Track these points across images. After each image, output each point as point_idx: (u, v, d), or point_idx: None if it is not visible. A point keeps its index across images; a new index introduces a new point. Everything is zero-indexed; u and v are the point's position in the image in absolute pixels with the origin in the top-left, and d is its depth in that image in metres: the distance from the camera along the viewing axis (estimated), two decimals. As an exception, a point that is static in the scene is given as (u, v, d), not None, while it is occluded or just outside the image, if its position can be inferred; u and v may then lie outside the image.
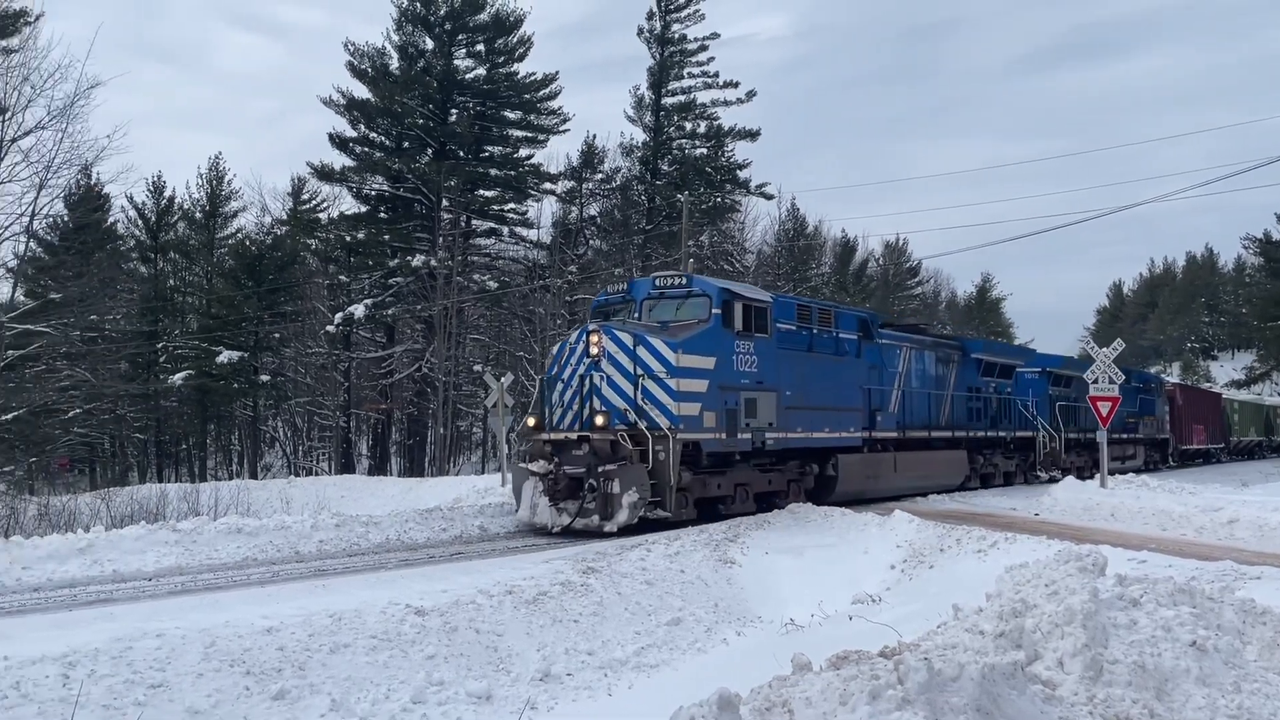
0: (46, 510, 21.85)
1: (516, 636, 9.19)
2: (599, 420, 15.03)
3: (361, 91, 40.21)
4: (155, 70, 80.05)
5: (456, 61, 41.13)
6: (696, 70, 45.02)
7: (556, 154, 54.47)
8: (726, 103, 45.11)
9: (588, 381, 15.52)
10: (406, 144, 41.10)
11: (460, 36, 40.95)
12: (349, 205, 43.32)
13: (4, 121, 23.51)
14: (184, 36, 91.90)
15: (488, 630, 9.14)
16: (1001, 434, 26.74)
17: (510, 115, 42.41)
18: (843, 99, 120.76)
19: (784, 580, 12.81)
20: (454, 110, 41.32)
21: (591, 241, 45.93)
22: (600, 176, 46.58)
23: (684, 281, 17.01)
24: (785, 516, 16.16)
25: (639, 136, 45.80)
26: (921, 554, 13.36)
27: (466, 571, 11.57)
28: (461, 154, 41.45)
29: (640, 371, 15.29)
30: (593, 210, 47.20)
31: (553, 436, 15.71)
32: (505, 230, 44.54)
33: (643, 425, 14.93)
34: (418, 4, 40.08)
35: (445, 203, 41.05)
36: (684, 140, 46.05)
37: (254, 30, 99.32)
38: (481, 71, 41.57)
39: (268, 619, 8.39)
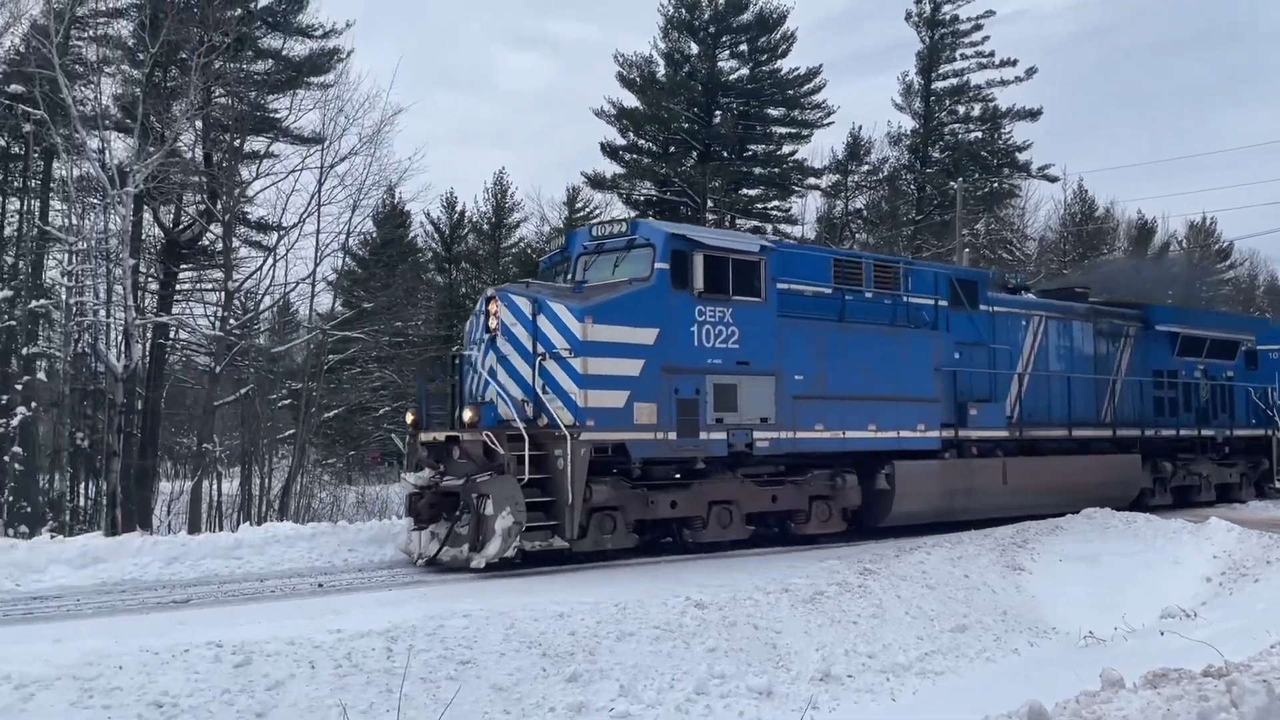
0: (363, 499, 24.26)
1: (795, 635, 9.17)
2: (466, 415, 11.72)
3: (630, 100, 41.54)
4: (447, 95, 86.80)
5: (720, 63, 41.57)
6: (970, 51, 42.92)
7: (821, 148, 53.71)
8: (1003, 82, 42.67)
9: (485, 364, 12.42)
10: (673, 148, 42.02)
11: (724, 38, 41.36)
12: (620, 210, 44.94)
13: (324, 150, 26.36)
14: (471, 62, 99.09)
15: (766, 627, 9.18)
16: (1209, 433, 20.29)
17: (774, 112, 42.31)
18: (1136, 70, 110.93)
19: (1080, 590, 11.98)
20: (718, 112, 41.78)
21: (858, 235, 45.00)
22: (866, 168, 45.50)
23: (624, 229, 13.14)
24: (1080, 521, 15.04)
25: (907, 124, 44.30)
26: (1243, 566, 12.04)
27: (742, 568, 11.69)
28: (725, 154, 41.86)
29: (541, 349, 11.92)
30: (859, 203, 46.23)
31: (424, 438, 12.65)
32: (769, 228, 44.53)
33: (543, 422, 11.67)
34: (683, 10, 40.91)
35: (710, 203, 41.67)
36: (957, 125, 44.05)
37: (531, 49, 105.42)
38: (745, 71, 41.76)
39: (559, 605, 8.87)
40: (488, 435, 11.40)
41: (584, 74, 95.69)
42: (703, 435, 12.45)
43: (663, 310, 12.23)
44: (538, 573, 11.44)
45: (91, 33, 26.56)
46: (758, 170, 42.81)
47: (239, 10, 26.76)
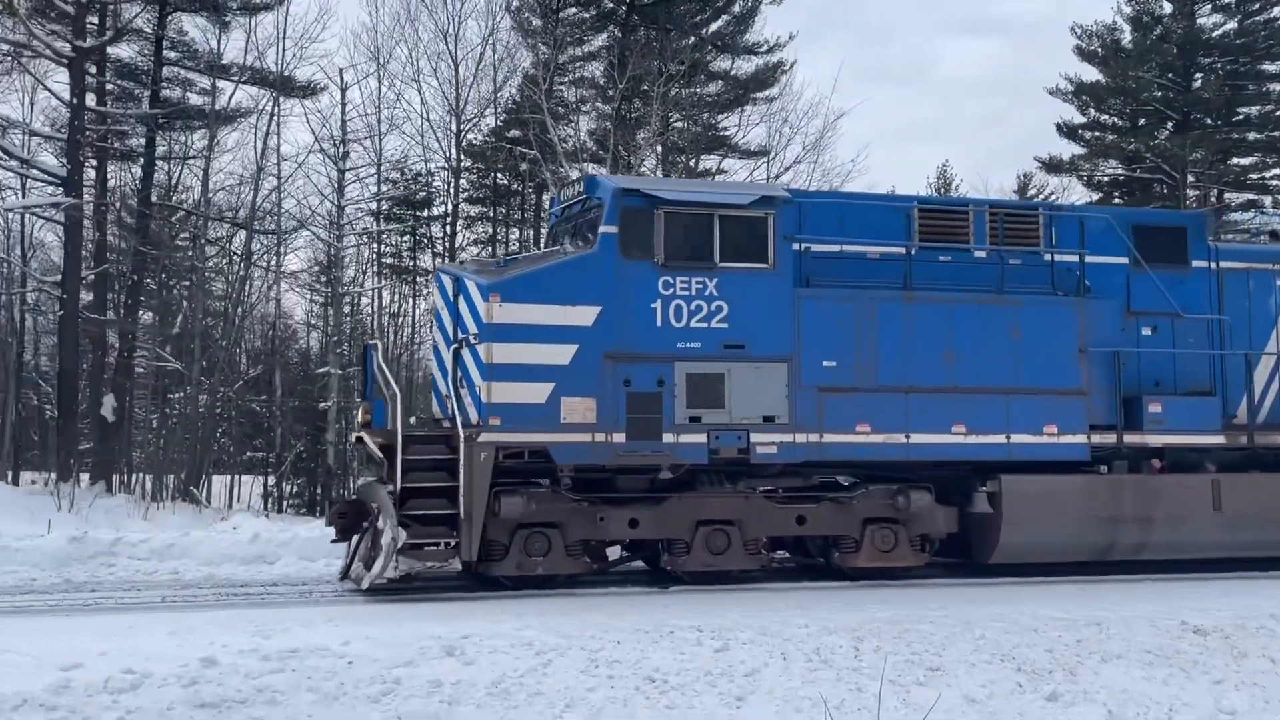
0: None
1: (1326, 674, 7.84)
2: (360, 414, 10.49)
3: (1090, 74, 38.17)
4: (886, 91, 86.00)
5: (1200, 20, 36.78)
6: None
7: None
8: None
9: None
10: (1143, 121, 37.96)
11: (1204, -10, 36.59)
12: (1079, 194, 41.46)
13: (769, 161, 27.39)
14: (910, 56, 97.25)
15: (1287, 662, 7.96)
16: None
17: (1270, 67, 36.56)
18: None
19: None
20: (1198, 75, 37.01)
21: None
22: (1405, 119, 37.62)
23: (581, 189, 11.10)
24: None
25: None
26: None
27: (1244, 591, 10.27)
28: (1209, 121, 36.93)
29: (460, 335, 10.37)
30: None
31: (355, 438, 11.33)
32: (1268, 200, 38.51)
33: (459, 421, 9.97)
34: (1151, -33, 36.82)
35: (1190, 178, 36.96)
36: None
37: (975, 34, 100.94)
38: (1231, 25, 36.52)
39: (1030, 618, 8.40)
40: (360, 437, 10.23)
41: (1033, 54, 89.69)
42: (667, 437, 10.17)
43: (608, 283, 10.12)
44: (997, 584, 10.94)
45: (570, 77, 30.07)
46: (1252, 136, 37.30)
47: (692, 39, 28.72)
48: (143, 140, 26.50)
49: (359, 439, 10.47)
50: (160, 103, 26.20)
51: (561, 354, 10.00)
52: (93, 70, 24.64)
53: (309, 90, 26.99)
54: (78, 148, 23.25)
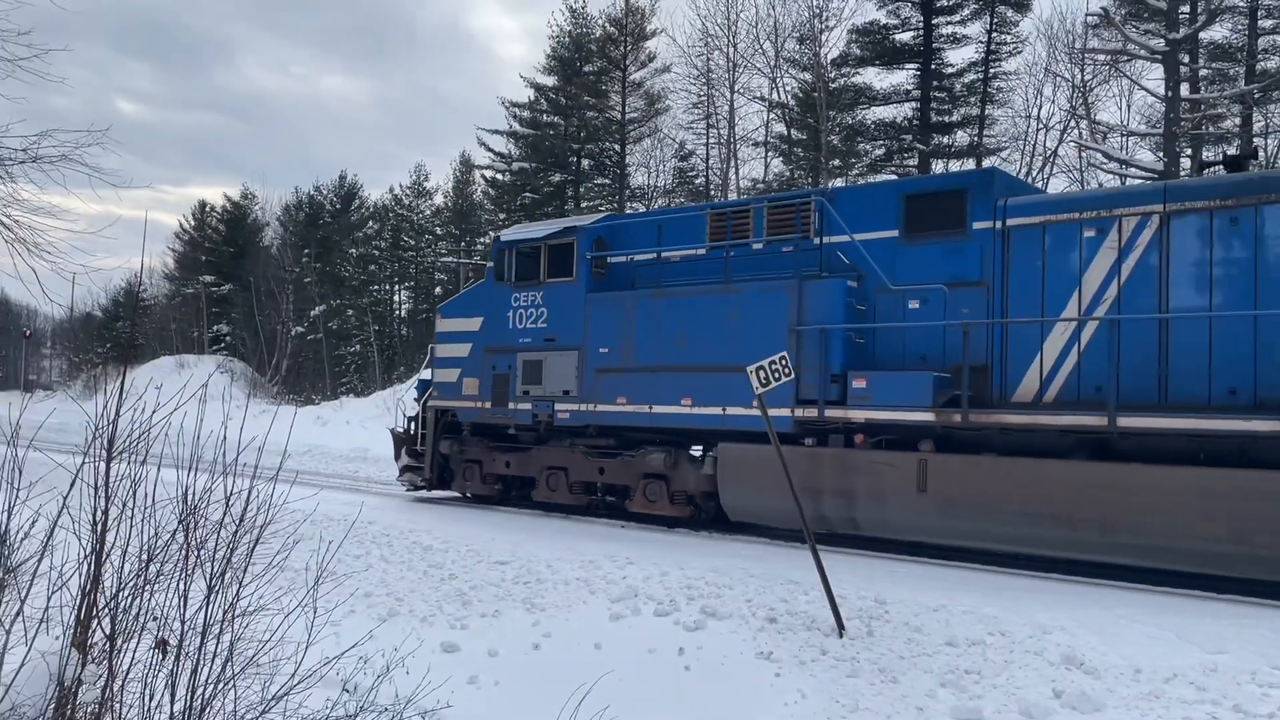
0: None
1: None
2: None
3: None
4: None
5: None
6: None
7: None
8: None
9: None
10: None
11: None
12: None
13: None
14: None
15: None
16: None
17: None
18: None
19: None
20: None
21: None
22: None
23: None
24: None
25: None
26: None
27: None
28: None
29: None
30: None
31: None
32: None
33: None
34: None
35: None
36: None
37: None
38: None
39: None
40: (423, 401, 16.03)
41: None
42: (511, 405, 14.27)
43: (488, 301, 14.78)
44: None
45: None
46: None
47: None
48: (1237, 120, 25.73)
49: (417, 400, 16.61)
50: (1256, 76, 25.06)
51: (464, 349, 15.03)
52: (1184, 59, 24.87)
53: None
54: (1173, 140, 23.76)
